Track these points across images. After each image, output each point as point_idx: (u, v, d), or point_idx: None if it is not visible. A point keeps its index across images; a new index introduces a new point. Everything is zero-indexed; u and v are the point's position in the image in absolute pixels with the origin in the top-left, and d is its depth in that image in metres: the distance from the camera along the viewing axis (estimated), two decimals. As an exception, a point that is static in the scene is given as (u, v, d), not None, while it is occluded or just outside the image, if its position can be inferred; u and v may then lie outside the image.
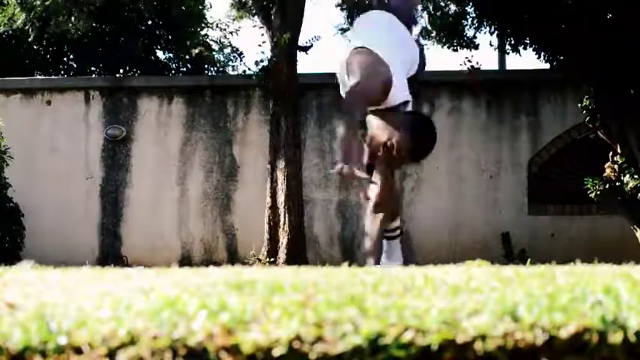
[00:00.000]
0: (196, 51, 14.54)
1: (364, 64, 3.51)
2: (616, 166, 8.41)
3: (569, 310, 1.14)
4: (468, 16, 9.54)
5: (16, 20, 13.17)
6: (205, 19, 16.08)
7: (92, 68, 14.97)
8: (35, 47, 14.66)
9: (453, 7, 9.88)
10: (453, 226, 10.00)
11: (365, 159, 3.51)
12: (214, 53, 16.28)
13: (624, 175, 8.31)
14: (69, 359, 1.08)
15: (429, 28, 10.13)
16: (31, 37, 13.09)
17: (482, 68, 9.86)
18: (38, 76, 13.95)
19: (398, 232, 4.04)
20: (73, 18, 11.21)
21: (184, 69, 15.72)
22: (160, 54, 15.84)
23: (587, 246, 9.18)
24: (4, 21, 13.48)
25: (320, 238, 10.21)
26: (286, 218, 9.43)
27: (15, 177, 9.30)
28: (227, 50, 16.39)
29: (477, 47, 9.60)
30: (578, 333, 1.09)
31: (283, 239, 9.40)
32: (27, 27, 12.86)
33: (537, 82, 10.23)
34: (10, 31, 14.12)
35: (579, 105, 8.82)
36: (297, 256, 9.07)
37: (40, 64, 14.92)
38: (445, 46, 9.60)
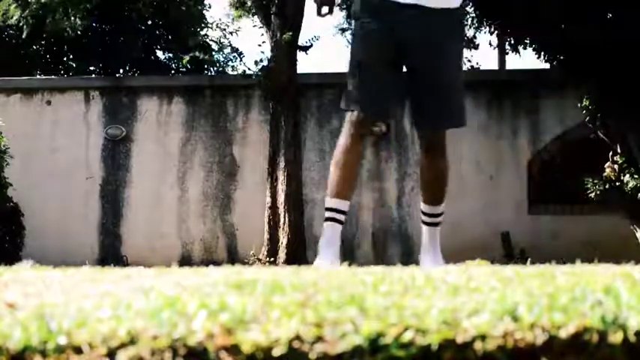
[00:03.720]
0: (186, 58, 14.53)
1: None
2: (616, 166, 8.42)
3: (569, 310, 1.14)
4: (467, 16, 9.54)
5: (11, 17, 13.17)
6: (205, 19, 16.10)
7: (92, 68, 14.98)
8: (34, 47, 14.67)
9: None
10: (453, 226, 9.99)
11: None
12: (214, 53, 16.30)
13: (624, 175, 8.32)
14: (69, 359, 1.08)
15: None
16: (25, 34, 13.08)
17: (482, 68, 9.87)
18: (38, 76, 13.95)
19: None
20: (70, 16, 11.21)
21: (184, 69, 15.73)
22: (159, 54, 15.85)
23: (587, 246, 9.17)
24: None
25: (320, 238, 10.21)
26: (286, 218, 9.43)
27: (15, 177, 9.29)
28: (227, 50, 16.41)
29: (477, 47, 9.60)
30: (578, 333, 1.09)
31: (283, 239, 9.39)
32: (21, 24, 12.86)
33: (537, 82, 10.23)
34: (10, 30, 14.12)
35: (579, 105, 8.82)
36: (297, 256, 9.06)
37: (40, 64, 14.94)
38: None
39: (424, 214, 3.41)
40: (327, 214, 3.14)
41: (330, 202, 3.13)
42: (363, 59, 3.13)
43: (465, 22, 9.54)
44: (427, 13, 3.05)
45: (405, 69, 3.16)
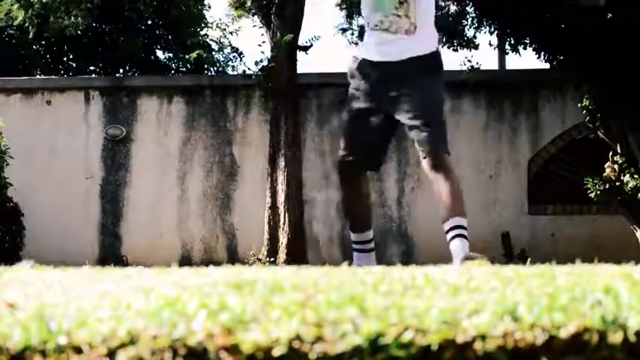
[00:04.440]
0: (194, 55, 14.53)
1: None
2: (616, 166, 8.42)
3: (569, 310, 1.14)
4: (468, 16, 9.53)
5: (15, 18, 13.17)
6: (205, 19, 16.10)
7: (92, 68, 14.98)
8: (35, 47, 14.67)
9: (453, 7, 9.87)
10: (453, 226, 9.99)
11: None
12: (214, 53, 16.30)
13: (624, 175, 8.31)
14: (69, 359, 1.08)
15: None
16: (31, 34, 13.08)
17: (482, 68, 9.86)
18: (38, 76, 13.95)
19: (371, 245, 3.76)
20: (71, 15, 11.21)
21: (184, 69, 15.73)
22: (159, 54, 15.85)
23: (587, 246, 9.18)
24: (1, 16, 13.47)
25: (320, 238, 10.21)
26: (286, 218, 9.43)
27: (15, 177, 9.29)
28: (227, 50, 16.41)
29: (477, 47, 9.59)
30: (578, 333, 1.09)
31: (283, 239, 9.39)
32: (26, 24, 12.86)
33: (537, 82, 10.23)
34: (10, 30, 14.13)
35: (579, 105, 8.82)
36: (297, 256, 9.06)
37: (40, 64, 14.94)
38: (445, 46, 9.59)
39: (446, 232, 3.43)
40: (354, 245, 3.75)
41: (352, 236, 3.74)
42: (350, 121, 3.68)
43: (465, 22, 9.53)
44: (399, 65, 3.54)
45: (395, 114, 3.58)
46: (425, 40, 3.59)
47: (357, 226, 3.68)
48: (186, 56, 15.04)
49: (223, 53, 16.52)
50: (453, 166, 3.50)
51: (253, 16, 10.88)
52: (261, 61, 10.09)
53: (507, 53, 9.82)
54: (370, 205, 3.84)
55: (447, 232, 3.41)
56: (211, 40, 16.37)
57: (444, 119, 3.56)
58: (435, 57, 3.62)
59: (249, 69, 10.43)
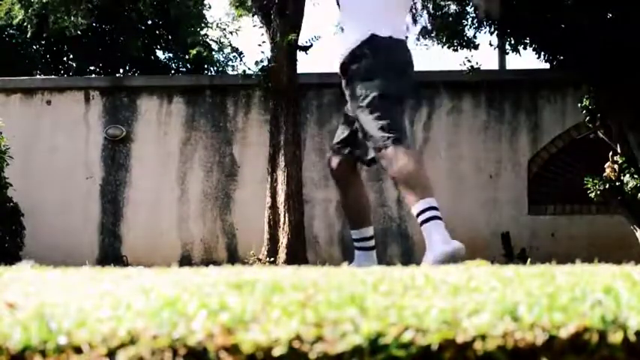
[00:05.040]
0: (194, 52, 14.55)
1: None
2: (616, 166, 8.41)
3: (569, 309, 1.14)
4: (467, 16, 9.53)
5: (15, 17, 13.17)
6: (205, 18, 16.11)
7: (92, 68, 14.99)
8: (35, 47, 14.66)
9: (453, 7, 9.86)
10: (453, 226, 9.98)
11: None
12: (214, 53, 16.30)
13: (624, 175, 8.31)
14: (69, 359, 1.08)
15: (429, 28, 10.13)
16: (29, 33, 13.08)
17: (483, 68, 9.86)
18: (38, 76, 13.95)
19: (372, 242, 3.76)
20: (71, 15, 11.21)
21: (184, 69, 15.73)
22: (159, 54, 15.85)
23: (587, 246, 9.18)
24: (1, 15, 13.47)
25: (320, 238, 10.21)
26: (286, 218, 9.42)
27: (15, 177, 9.29)
28: (227, 50, 16.41)
29: (476, 47, 9.58)
30: (578, 333, 1.09)
31: (283, 239, 9.38)
32: (25, 24, 12.86)
33: (537, 82, 10.23)
34: (10, 29, 14.12)
35: (579, 105, 8.82)
36: (297, 256, 9.06)
37: (40, 64, 14.94)
38: (445, 46, 9.59)
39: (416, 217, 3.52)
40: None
41: (351, 233, 3.74)
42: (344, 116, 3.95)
43: (465, 22, 9.52)
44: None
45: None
46: (346, 40, 3.78)
47: (354, 221, 3.69)
48: (190, 52, 15.06)
49: (223, 53, 16.53)
50: (406, 153, 3.55)
51: (253, 15, 10.87)
52: (261, 61, 10.09)
53: (507, 53, 9.82)
54: (365, 200, 3.80)
55: (416, 217, 3.48)
56: (211, 39, 16.38)
57: (383, 110, 3.54)
58: (359, 50, 3.65)
59: (249, 69, 10.42)
